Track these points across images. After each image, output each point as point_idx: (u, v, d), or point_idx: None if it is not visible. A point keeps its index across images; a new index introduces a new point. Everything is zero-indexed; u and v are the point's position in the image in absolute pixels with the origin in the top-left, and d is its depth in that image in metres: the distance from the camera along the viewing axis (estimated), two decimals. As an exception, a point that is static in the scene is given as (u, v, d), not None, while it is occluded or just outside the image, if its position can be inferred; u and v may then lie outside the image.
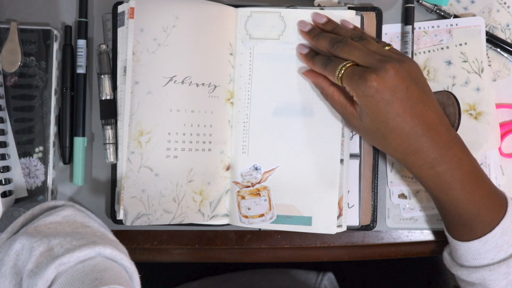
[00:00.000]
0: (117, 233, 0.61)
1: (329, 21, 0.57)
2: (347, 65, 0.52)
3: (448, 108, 0.57)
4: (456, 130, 0.57)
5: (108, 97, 0.58)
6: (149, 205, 0.56)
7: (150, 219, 0.56)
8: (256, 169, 0.58)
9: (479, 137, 0.60)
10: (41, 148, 0.59)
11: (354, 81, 0.51)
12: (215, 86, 0.58)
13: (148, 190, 0.56)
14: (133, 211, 0.55)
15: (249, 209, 0.58)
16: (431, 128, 0.51)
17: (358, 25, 0.58)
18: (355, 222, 0.59)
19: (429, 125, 0.51)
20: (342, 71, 0.52)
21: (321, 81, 0.56)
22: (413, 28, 0.61)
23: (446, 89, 0.61)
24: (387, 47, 0.54)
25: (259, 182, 0.58)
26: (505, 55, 0.62)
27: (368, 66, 0.51)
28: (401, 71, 0.50)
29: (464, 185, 0.52)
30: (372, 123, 0.52)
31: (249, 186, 0.58)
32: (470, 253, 0.53)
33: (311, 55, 0.57)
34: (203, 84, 0.57)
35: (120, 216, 0.56)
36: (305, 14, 0.58)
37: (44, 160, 0.59)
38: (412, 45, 0.61)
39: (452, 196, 0.52)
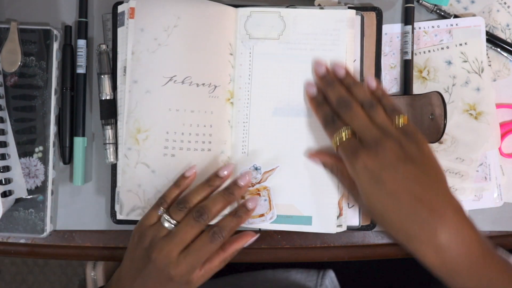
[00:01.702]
0: (117, 233, 0.61)
1: (347, 75, 0.55)
2: (345, 136, 0.51)
3: (436, 109, 0.57)
4: (443, 132, 0.56)
5: (108, 97, 0.58)
6: (145, 199, 0.56)
7: (145, 212, 0.56)
8: (256, 169, 0.58)
9: (479, 137, 0.60)
10: (41, 148, 0.59)
11: (347, 156, 0.50)
12: (215, 86, 0.58)
13: (144, 185, 0.56)
14: (129, 204, 0.56)
15: (249, 209, 0.58)
16: (433, 212, 0.47)
17: (358, 25, 0.58)
18: (355, 222, 0.59)
19: (430, 209, 0.47)
20: (338, 142, 0.52)
21: (329, 161, 0.55)
22: (413, 28, 0.61)
23: (446, 89, 0.61)
24: (401, 119, 0.51)
25: (259, 182, 0.58)
26: (505, 55, 0.62)
27: (363, 141, 0.50)
28: (397, 151, 0.48)
29: (471, 273, 0.47)
30: (368, 201, 0.49)
31: (249, 186, 0.58)
32: None
33: (317, 101, 0.56)
34: (203, 84, 0.57)
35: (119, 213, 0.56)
36: (305, 14, 0.58)
37: (44, 160, 0.59)
38: (412, 45, 0.61)
39: (459, 282, 0.48)
